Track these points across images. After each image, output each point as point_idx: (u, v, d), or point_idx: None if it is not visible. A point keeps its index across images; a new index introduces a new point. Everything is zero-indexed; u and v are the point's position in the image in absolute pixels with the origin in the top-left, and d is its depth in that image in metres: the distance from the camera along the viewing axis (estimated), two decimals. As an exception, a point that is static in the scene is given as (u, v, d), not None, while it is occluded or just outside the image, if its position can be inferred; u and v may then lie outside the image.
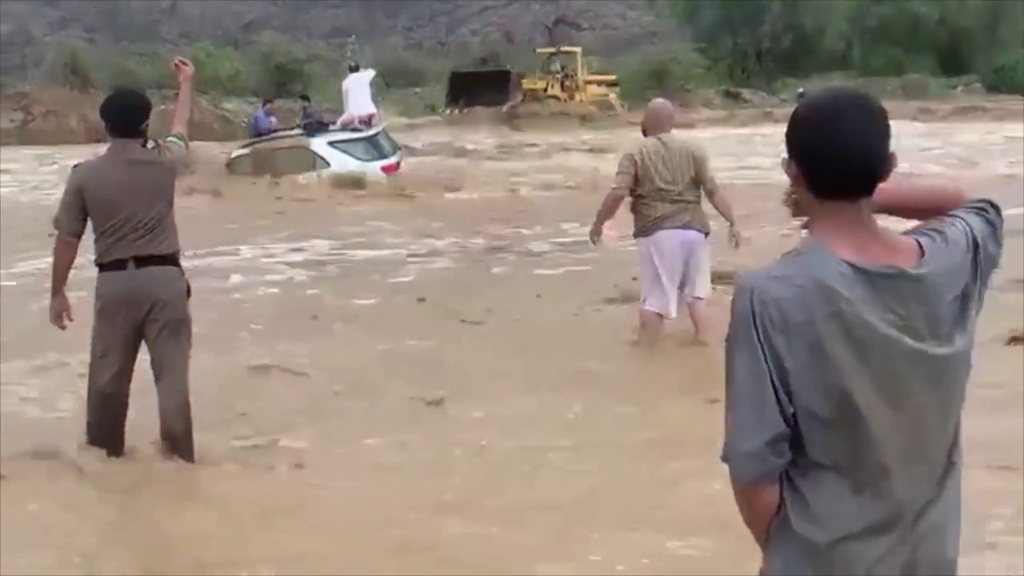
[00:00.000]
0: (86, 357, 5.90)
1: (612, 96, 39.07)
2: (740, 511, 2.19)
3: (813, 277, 2.05)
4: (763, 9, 49.27)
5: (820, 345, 2.04)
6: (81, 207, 5.73)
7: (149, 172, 5.76)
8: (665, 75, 43.31)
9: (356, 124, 19.82)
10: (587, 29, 55.34)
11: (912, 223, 2.28)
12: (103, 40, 53.08)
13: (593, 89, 39.06)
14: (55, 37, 52.28)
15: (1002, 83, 45.71)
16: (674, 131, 8.09)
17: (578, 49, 41.51)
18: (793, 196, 2.19)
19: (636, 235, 8.04)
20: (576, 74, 39.27)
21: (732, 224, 8.02)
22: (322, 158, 19.26)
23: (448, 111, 35.47)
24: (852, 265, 2.06)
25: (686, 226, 7.81)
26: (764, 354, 2.05)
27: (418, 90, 45.03)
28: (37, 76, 43.33)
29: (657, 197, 7.77)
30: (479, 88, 34.27)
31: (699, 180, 7.84)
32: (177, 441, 5.79)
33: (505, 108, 34.84)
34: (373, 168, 19.25)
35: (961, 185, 2.35)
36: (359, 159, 19.26)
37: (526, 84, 37.78)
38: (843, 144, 2.06)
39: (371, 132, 19.87)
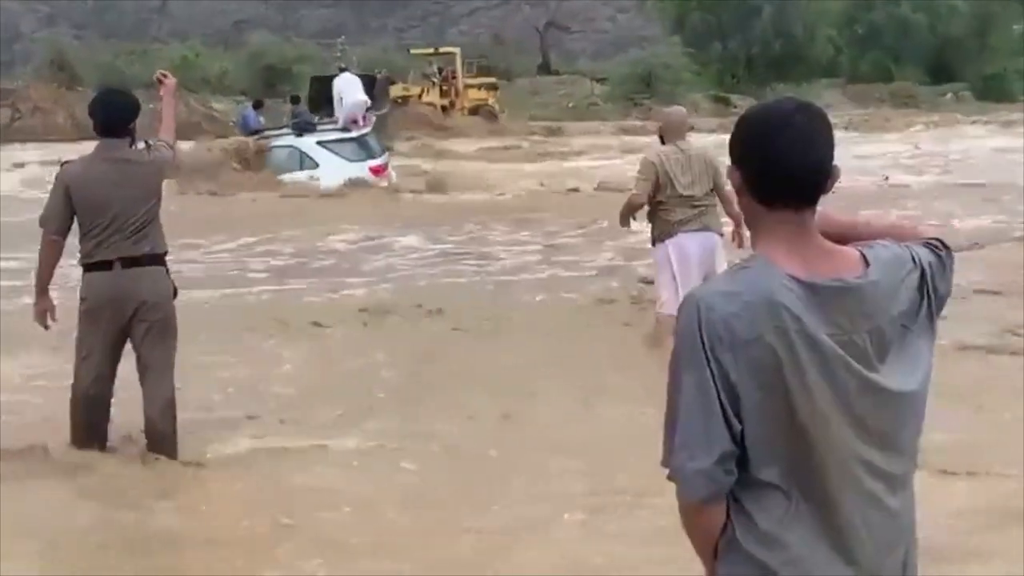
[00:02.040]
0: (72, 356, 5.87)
1: (492, 100, 36.83)
2: (686, 530, 2.14)
3: (760, 292, 2.01)
4: (753, 14, 49.36)
5: (766, 361, 2.00)
6: (68, 205, 5.71)
7: (137, 172, 5.74)
8: (654, 79, 43.37)
9: (359, 120, 19.83)
10: (577, 32, 55.41)
11: None
12: (92, 38, 52.97)
13: (474, 93, 36.45)
14: (44, 34, 52.16)
15: (991, 92, 45.95)
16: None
17: (457, 49, 38.37)
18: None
19: (655, 241, 8.17)
20: (455, 78, 36.57)
21: (739, 225, 8.12)
22: (310, 157, 19.25)
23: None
24: (797, 279, 2.03)
25: (704, 228, 8.04)
26: (711, 371, 2.00)
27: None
28: (25, 73, 43.21)
29: (677, 203, 7.97)
30: None
31: (716, 185, 8.06)
32: (161, 440, 5.76)
33: None
34: (361, 168, 19.24)
35: (920, 228, 2.31)
36: (347, 159, 19.25)
37: (395, 91, 32.87)
38: (790, 152, 2.04)
39: (360, 133, 19.86)
